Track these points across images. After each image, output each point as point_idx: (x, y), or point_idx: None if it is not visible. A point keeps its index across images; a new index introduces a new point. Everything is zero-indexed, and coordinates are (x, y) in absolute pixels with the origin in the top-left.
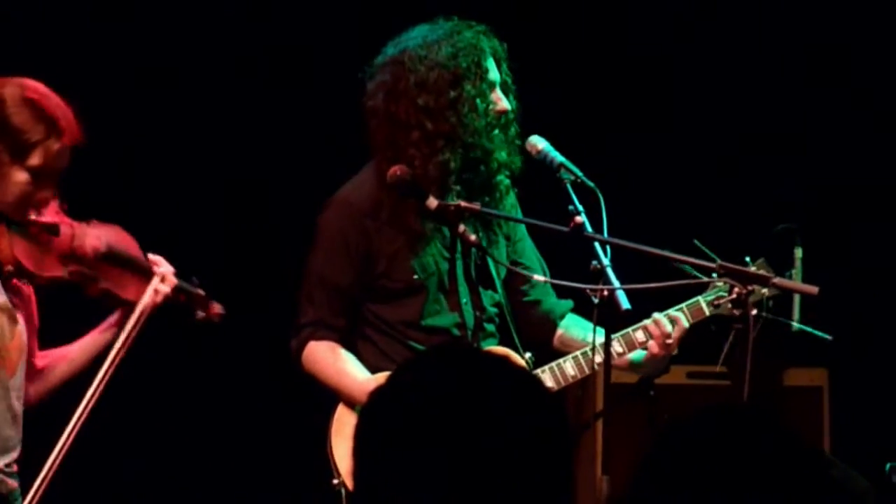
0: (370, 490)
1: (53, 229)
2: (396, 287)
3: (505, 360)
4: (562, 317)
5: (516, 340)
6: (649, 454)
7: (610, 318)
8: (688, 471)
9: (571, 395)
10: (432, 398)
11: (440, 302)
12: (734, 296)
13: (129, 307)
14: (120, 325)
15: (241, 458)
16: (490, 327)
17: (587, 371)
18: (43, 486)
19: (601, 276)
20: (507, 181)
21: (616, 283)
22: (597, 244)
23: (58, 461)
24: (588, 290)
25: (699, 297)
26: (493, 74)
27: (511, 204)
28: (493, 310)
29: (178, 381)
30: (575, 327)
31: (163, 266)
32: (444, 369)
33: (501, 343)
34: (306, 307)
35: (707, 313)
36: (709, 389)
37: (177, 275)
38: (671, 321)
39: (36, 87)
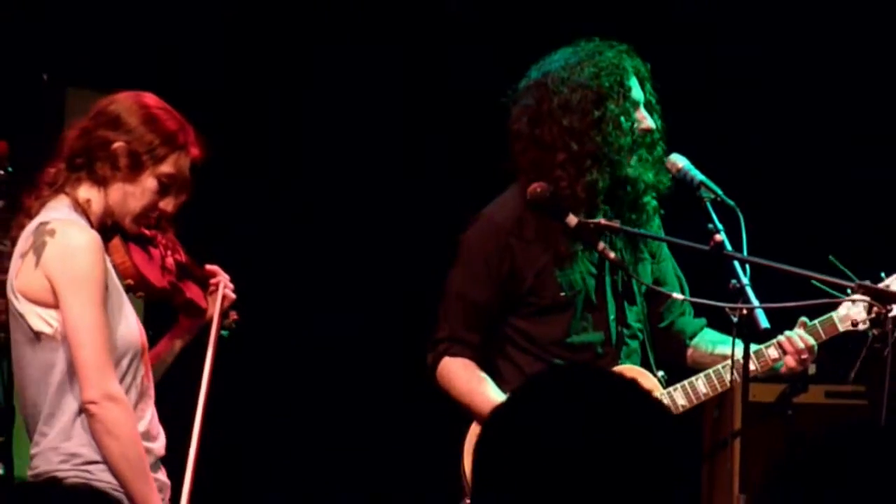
0: None
1: (154, 241)
2: (545, 303)
3: (631, 383)
4: (692, 336)
5: (651, 358)
6: (777, 470)
7: (749, 337)
8: (816, 488)
9: (709, 413)
10: (551, 423)
11: (588, 319)
12: (873, 315)
13: (199, 315)
14: (189, 332)
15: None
16: (633, 343)
17: (719, 389)
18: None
19: (740, 294)
20: (655, 202)
21: (755, 302)
22: (736, 262)
23: (191, 473)
24: (727, 309)
25: (832, 314)
26: (637, 93)
27: (657, 226)
28: (637, 325)
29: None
30: (704, 343)
31: (221, 274)
32: (565, 392)
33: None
34: (442, 322)
35: (840, 329)
36: (847, 409)
37: None
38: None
39: (159, 101)
